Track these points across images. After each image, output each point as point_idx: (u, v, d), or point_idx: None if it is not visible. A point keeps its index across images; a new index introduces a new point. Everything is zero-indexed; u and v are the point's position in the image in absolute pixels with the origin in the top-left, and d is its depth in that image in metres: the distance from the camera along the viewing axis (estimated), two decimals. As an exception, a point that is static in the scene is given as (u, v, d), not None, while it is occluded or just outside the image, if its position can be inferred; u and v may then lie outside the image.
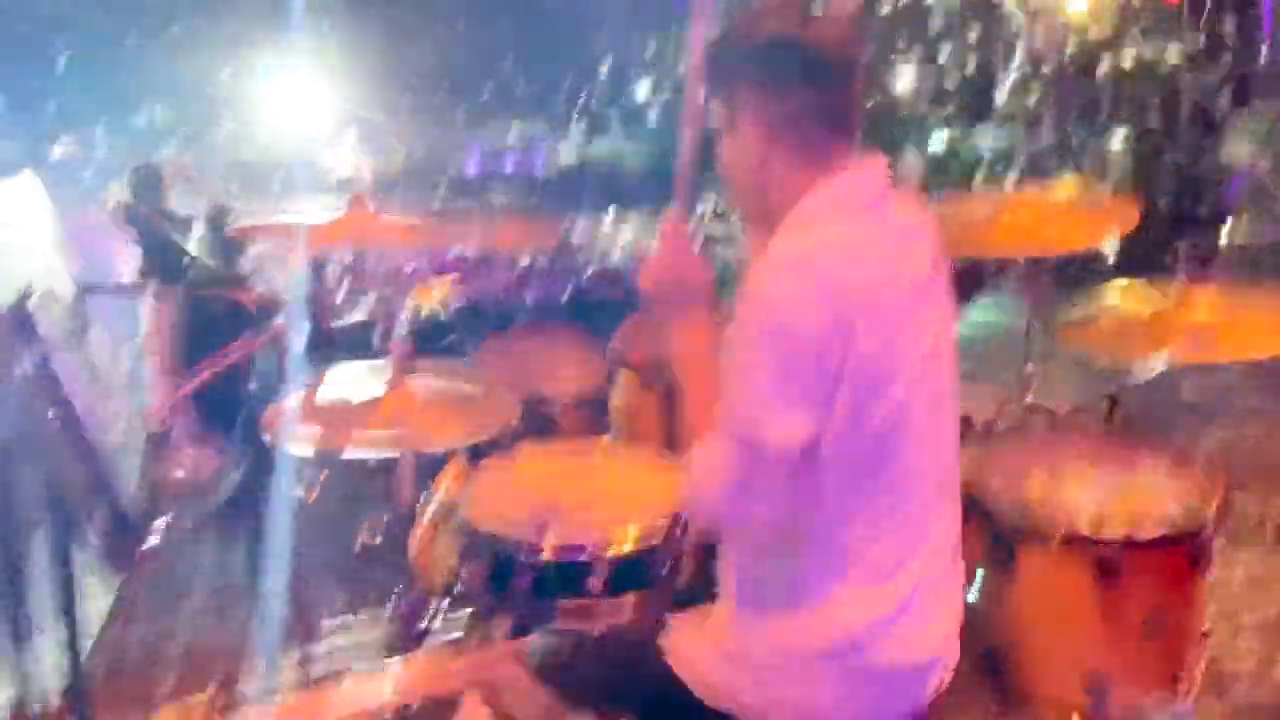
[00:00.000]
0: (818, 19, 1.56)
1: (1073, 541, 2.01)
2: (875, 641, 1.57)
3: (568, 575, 1.99)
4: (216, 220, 4.67)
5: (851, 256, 1.50)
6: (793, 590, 1.59)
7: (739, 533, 1.64)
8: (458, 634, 2.50)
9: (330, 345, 2.63)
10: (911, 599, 1.59)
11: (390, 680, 1.84)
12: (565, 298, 7.50)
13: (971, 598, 2.07)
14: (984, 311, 4.42)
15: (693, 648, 1.69)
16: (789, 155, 1.57)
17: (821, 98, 1.55)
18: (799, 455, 1.48)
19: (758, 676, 1.61)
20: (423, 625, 2.40)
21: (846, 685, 1.59)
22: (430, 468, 2.82)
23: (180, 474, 2.18)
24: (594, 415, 2.82)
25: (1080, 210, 2.76)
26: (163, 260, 4.68)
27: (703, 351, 1.63)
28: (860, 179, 1.58)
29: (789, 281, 1.47)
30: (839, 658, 1.58)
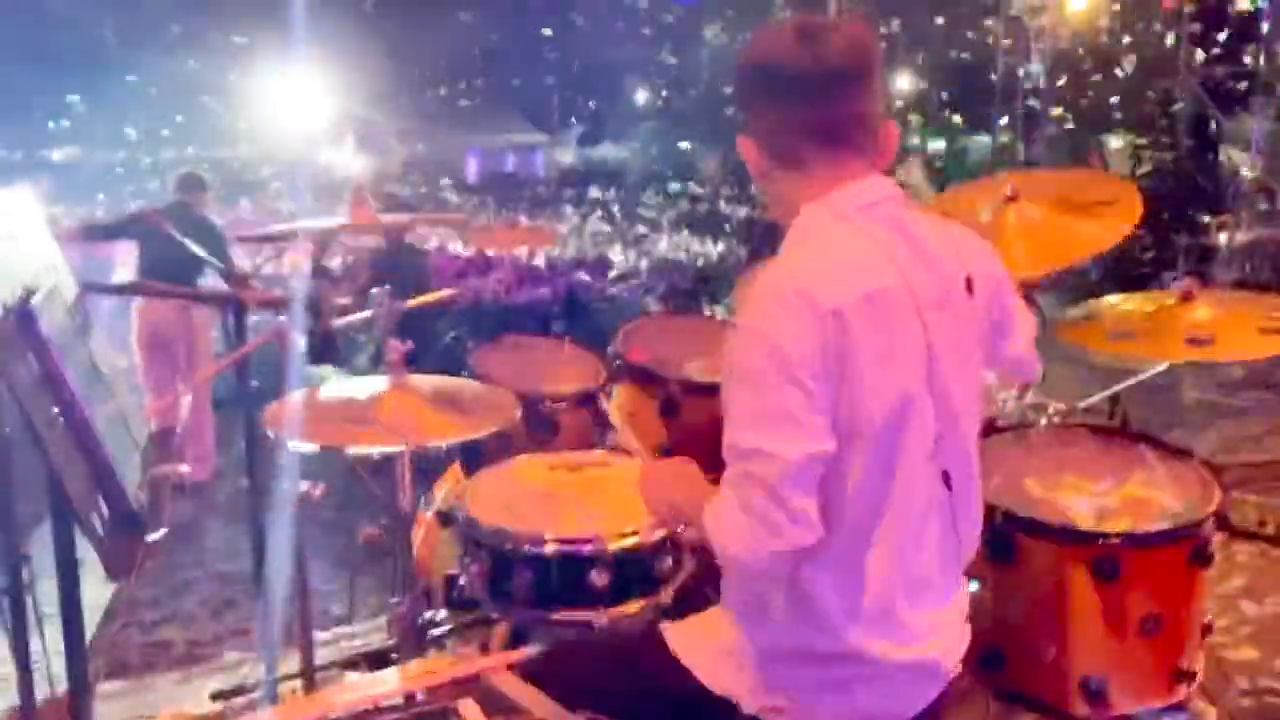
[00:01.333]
0: (807, 34, 1.56)
1: (1073, 539, 2.01)
2: (874, 639, 1.58)
3: (570, 571, 1.99)
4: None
5: (834, 271, 1.52)
6: (790, 590, 1.59)
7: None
8: (458, 634, 2.50)
9: (330, 345, 2.63)
10: (905, 599, 1.60)
11: (389, 683, 1.83)
12: (564, 299, 7.51)
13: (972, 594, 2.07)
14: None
15: (696, 638, 1.71)
16: (779, 167, 1.62)
17: (799, 113, 1.58)
18: (815, 470, 1.48)
19: (759, 674, 1.62)
20: (423, 625, 2.40)
21: (847, 683, 1.59)
22: (431, 468, 2.82)
23: (181, 473, 2.17)
24: (593, 416, 2.83)
25: (1081, 201, 2.74)
26: (164, 262, 4.70)
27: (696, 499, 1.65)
28: (858, 194, 1.59)
29: (772, 309, 1.51)
30: (838, 656, 1.58)
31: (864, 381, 1.50)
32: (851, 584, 1.57)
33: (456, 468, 2.75)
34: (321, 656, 2.75)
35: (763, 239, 9.74)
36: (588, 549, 2.00)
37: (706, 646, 1.69)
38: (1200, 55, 10.10)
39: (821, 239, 1.57)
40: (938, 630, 1.64)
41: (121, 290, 4.68)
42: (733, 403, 1.52)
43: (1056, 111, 11.75)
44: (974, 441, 1.68)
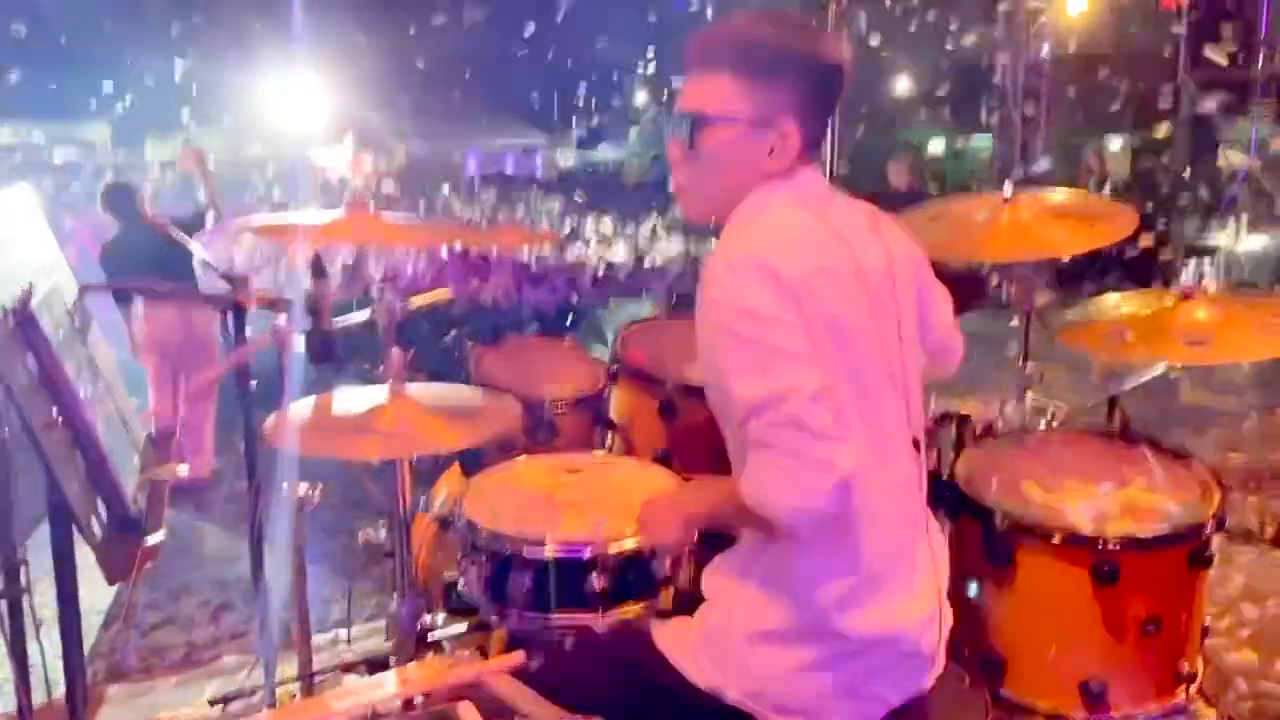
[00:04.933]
0: (814, 31, 1.65)
1: (1072, 542, 2.01)
2: (852, 613, 1.59)
3: (570, 574, 1.98)
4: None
5: (787, 245, 1.55)
6: (765, 567, 1.63)
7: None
8: (457, 638, 2.50)
9: (330, 345, 2.63)
10: (881, 571, 1.61)
11: (388, 686, 1.83)
12: (564, 300, 7.51)
13: (971, 598, 2.07)
14: (983, 314, 4.43)
15: (680, 634, 1.74)
16: (759, 147, 1.61)
17: (806, 96, 1.61)
18: (830, 401, 1.48)
19: (738, 660, 1.63)
20: (421, 629, 2.40)
21: (827, 662, 1.60)
22: (430, 471, 2.82)
23: (180, 474, 2.17)
24: (593, 418, 2.82)
25: (1079, 214, 2.75)
26: (163, 263, 4.69)
27: (716, 492, 1.71)
28: (814, 180, 1.65)
29: (729, 280, 1.52)
30: (816, 632, 1.59)
31: (827, 348, 1.52)
32: (831, 558, 1.58)
33: (456, 470, 2.74)
34: (320, 660, 2.74)
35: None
36: (587, 552, 1.99)
37: (689, 641, 1.71)
38: (1200, 55, 10.11)
39: (776, 215, 1.60)
40: (912, 605, 1.65)
41: (121, 290, 4.68)
42: (726, 370, 1.51)
43: (1056, 112, 11.76)
44: (921, 410, 1.73)
